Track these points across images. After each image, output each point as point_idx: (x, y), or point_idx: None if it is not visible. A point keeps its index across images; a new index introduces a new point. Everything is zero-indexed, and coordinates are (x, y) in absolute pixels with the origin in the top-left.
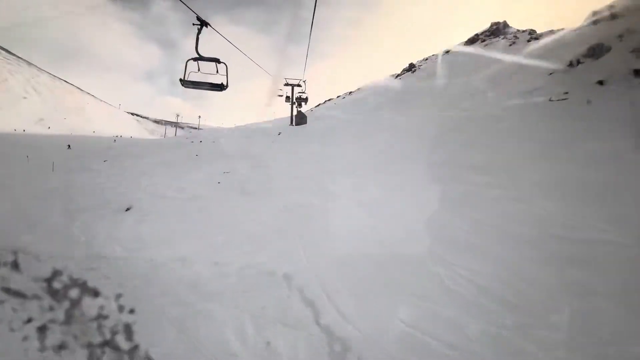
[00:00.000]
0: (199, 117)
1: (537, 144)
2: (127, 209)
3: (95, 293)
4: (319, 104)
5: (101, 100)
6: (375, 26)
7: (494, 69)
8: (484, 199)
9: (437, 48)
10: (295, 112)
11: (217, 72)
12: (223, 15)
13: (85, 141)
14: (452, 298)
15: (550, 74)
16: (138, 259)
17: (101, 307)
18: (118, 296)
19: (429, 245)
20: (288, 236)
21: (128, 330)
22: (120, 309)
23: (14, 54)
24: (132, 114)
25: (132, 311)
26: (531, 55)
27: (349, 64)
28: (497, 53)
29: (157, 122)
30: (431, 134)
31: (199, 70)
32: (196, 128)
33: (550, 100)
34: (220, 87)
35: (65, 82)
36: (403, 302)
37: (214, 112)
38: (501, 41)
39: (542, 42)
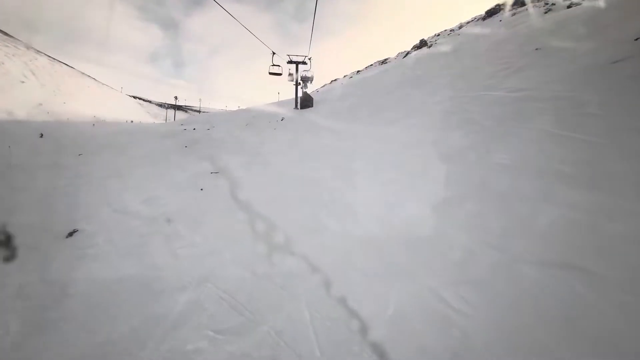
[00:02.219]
0: (200, 100)
1: None
2: (70, 234)
3: None
4: (325, 84)
5: (103, 84)
6: (383, 1)
7: (541, 40)
8: (607, 236)
9: (448, 24)
10: (300, 94)
11: None
12: None
13: (68, 128)
14: None
15: (637, 39)
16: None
17: None
18: None
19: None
20: (293, 301)
21: None
22: None
23: (11, 36)
24: (135, 97)
25: None
26: (595, 18)
27: (356, 42)
28: (537, 20)
29: (160, 105)
30: (479, 122)
31: None
32: (198, 111)
33: None
34: None
35: (65, 65)
36: None
37: (218, 94)
38: (531, 10)
39: None
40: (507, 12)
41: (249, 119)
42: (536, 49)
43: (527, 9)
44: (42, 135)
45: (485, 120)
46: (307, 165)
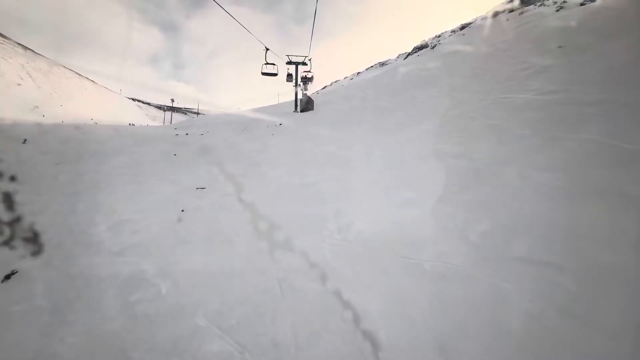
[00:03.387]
0: (198, 102)
1: None
2: (8, 277)
3: None
4: (325, 86)
5: (101, 86)
6: (381, 2)
7: (561, 38)
8: None
9: (449, 25)
10: (300, 96)
11: None
12: None
13: (56, 132)
14: None
15: None
16: None
17: None
18: None
19: None
20: None
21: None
22: None
23: (9, 38)
24: (134, 99)
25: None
26: (622, 14)
27: (355, 43)
28: (550, 18)
29: (159, 107)
30: (509, 130)
31: None
32: (197, 113)
33: None
34: None
35: (63, 68)
36: None
37: (217, 96)
38: (538, 9)
39: None
40: (513, 12)
41: (246, 122)
42: (559, 47)
43: (535, 8)
44: (25, 141)
45: (516, 127)
46: (308, 179)
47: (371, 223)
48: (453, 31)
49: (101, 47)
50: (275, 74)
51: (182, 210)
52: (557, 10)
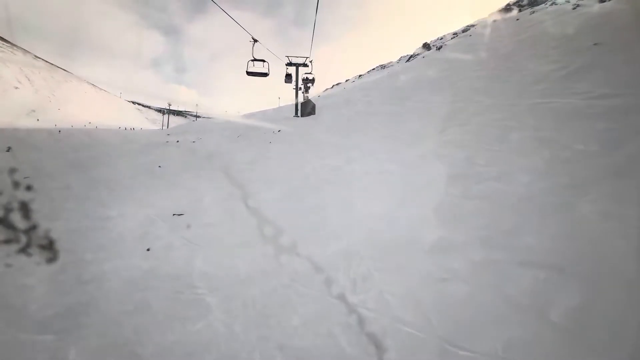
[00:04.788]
0: (196, 105)
1: None
2: None
3: None
4: (327, 89)
5: (101, 89)
6: (381, 6)
7: (592, 35)
8: None
9: (451, 28)
10: (300, 99)
11: None
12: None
13: (46, 138)
14: None
15: None
16: None
17: None
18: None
19: None
20: None
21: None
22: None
23: (8, 42)
24: (134, 102)
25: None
26: None
27: (355, 46)
28: (568, 17)
29: (159, 110)
30: (565, 144)
31: None
32: (196, 116)
33: None
34: None
35: (62, 71)
36: None
37: (218, 99)
38: (550, 8)
39: None
40: (521, 12)
41: (243, 128)
42: (595, 44)
43: (546, 7)
44: (9, 149)
45: (574, 141)
46: (308, 203)
47: (395, 277)
48: (455, 34)
49: (102, 50)
50: (265, 74)
51: (148, 250)
52: (574, 8)
